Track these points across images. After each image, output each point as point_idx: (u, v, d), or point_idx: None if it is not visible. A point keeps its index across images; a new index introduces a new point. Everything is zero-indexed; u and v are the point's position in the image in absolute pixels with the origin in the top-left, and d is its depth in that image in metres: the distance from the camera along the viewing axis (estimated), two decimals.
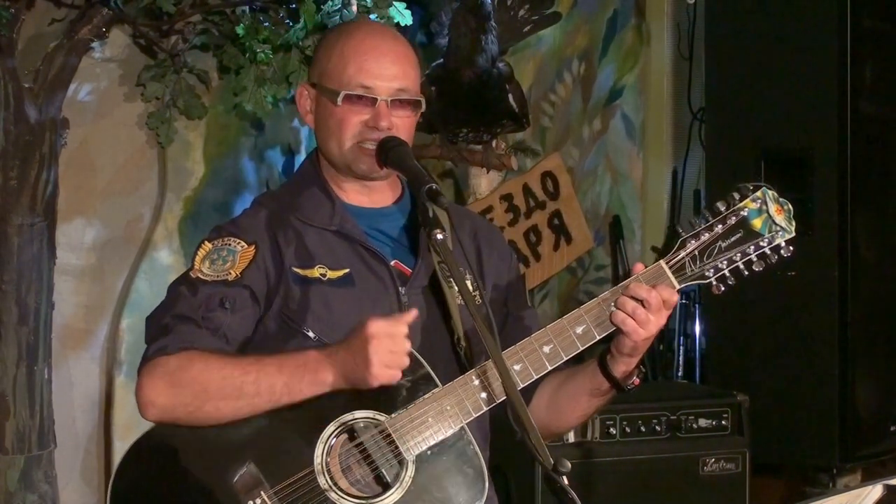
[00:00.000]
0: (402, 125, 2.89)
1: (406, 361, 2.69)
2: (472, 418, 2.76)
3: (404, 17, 4.21)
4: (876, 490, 2.62)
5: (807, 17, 5.19)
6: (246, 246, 2.85)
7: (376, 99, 2.86)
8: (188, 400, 2.72)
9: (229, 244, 2.86)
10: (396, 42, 2.94)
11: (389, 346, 2.67)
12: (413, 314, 2.71)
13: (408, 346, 2.68)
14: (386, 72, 2.88)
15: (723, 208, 2.81)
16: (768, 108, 5.29)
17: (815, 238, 5.08)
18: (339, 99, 2.87)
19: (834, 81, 5.13)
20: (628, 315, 2.77)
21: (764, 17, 5.29)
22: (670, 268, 2.80)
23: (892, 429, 5.25)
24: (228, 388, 2.71)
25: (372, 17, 4.15)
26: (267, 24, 4.25)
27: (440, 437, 2.73)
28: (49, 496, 4.18)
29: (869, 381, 5.21)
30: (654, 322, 2.77)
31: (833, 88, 5.13)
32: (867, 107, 5.19)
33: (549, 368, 2.80)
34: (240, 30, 4.21)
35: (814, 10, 5.18)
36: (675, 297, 2.79)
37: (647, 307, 2.77)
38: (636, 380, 2.88)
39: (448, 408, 2.74)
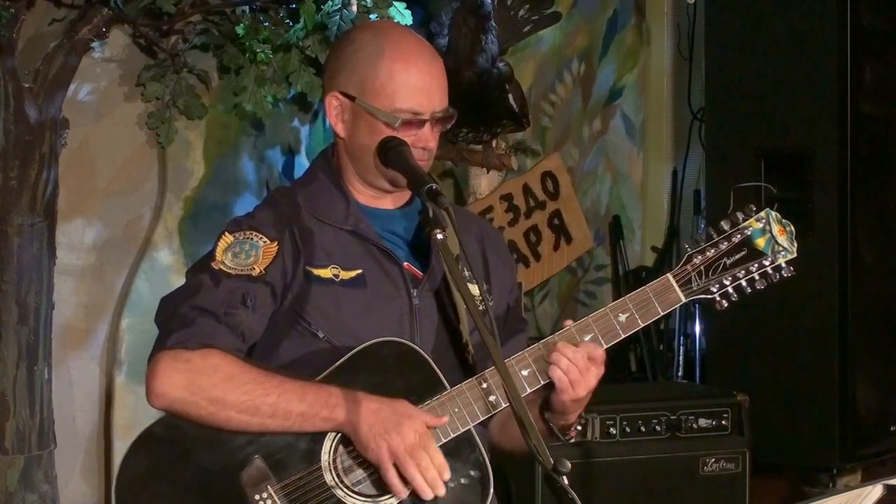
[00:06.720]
0: (436, 138, 2.90)
1: (417, 477, 2.67)
2: (479, 421, 2.76)
3: (404, 17, 4.21)
4: (876, 490, 2.62)
5: (807, 17, 5.20)
6: (268, 241, 2.83)
7: (425, 121, 2.85)
8: (204, 404, 2.71)
9: (251, 238, 2.84)
10: (436, 58, 2.91)
11: (423, 445, 2.66)
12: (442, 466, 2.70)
13: (439, 460, 2.67)
14: (436, 95, 2.86)
15: (727, 227, 2.85)
16: (768, 108, 5.29)
17: (815, 238, 5.08)
18: (398, 124, 2.83)
19: (834, 81, 5.13)
20: (564, 372, 2.75)
21: (764, 17, 5.29)
22: (677, 281, 2.82)
23: (892, 429, 5.25)
24: (247, 403, 2.70)
25: (372, 16, 4.14)
26: (267, 24, 4.25)
27: (446, 440, 2.73)
28: (49, 496, 4.18)
29: (869, 381, 5.21)
30: (584, 383, 2.75)
31: (833, 88, 5.14)
32: (867, 107, 5.20)
33: None
34: (240, 30, 4.21)
35: (814, 10, 5.18)
36: (602, 353, 2.76)
37: (576, 366, 2.74)
38: (573, 432, 2.86)
39: (455, 410, 2.74)
